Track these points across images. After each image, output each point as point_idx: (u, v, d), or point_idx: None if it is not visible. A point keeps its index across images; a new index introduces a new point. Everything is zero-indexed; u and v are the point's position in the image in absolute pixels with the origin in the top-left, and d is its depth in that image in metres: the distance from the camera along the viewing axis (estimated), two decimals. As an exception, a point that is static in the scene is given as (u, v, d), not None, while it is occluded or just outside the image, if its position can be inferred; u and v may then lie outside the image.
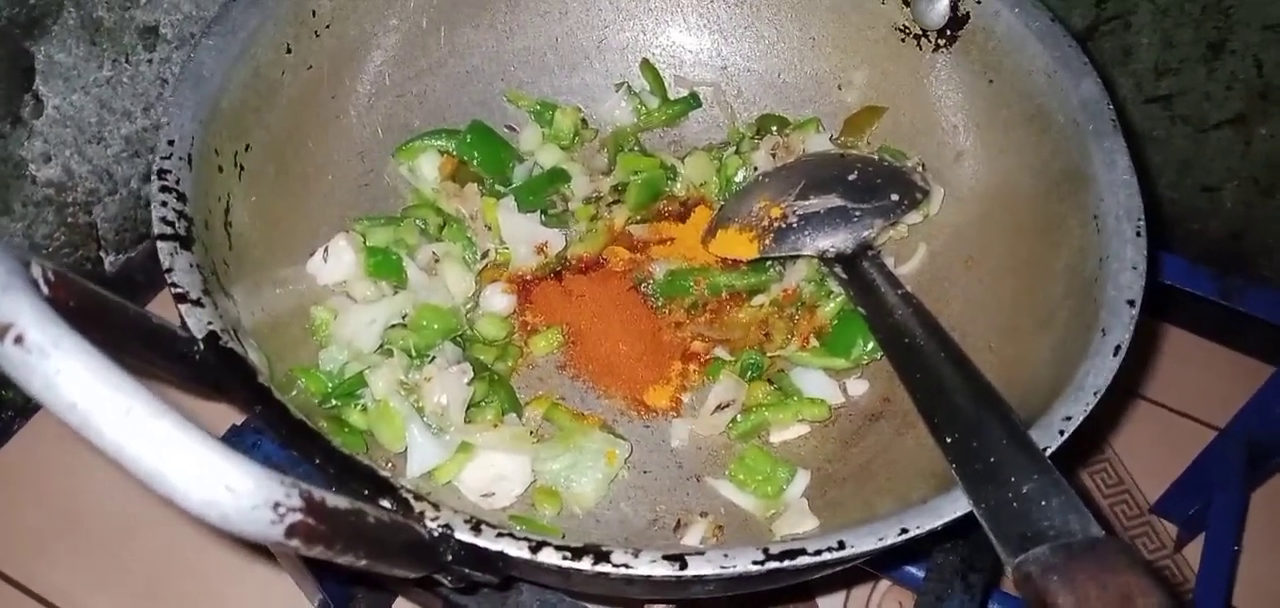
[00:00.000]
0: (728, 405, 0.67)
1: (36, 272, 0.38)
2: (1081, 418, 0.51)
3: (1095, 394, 0.52)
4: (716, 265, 0.75)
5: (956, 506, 0.48)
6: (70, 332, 0.31)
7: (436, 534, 0.43)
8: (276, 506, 0.33)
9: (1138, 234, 0.59)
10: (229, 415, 0.69)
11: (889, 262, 0.73)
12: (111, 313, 0.44)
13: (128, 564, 0.91)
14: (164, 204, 0.53)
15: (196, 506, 0.31)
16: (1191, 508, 0.99)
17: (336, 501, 0.35)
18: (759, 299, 0.74)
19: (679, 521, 0.63)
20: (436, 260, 0.71)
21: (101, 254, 1.02)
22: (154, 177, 0.54)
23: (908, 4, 0.76)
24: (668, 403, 0.69)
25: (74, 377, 0.30)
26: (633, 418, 0.69)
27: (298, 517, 0.33)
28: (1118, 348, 0.54)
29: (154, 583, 0.90)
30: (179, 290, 0.50)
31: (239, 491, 0.32)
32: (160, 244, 0.52)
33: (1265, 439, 0.92)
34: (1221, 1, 0.93)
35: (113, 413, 0.30)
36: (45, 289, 0.38)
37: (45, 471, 0.96)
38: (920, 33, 0.77)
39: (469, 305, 0.71)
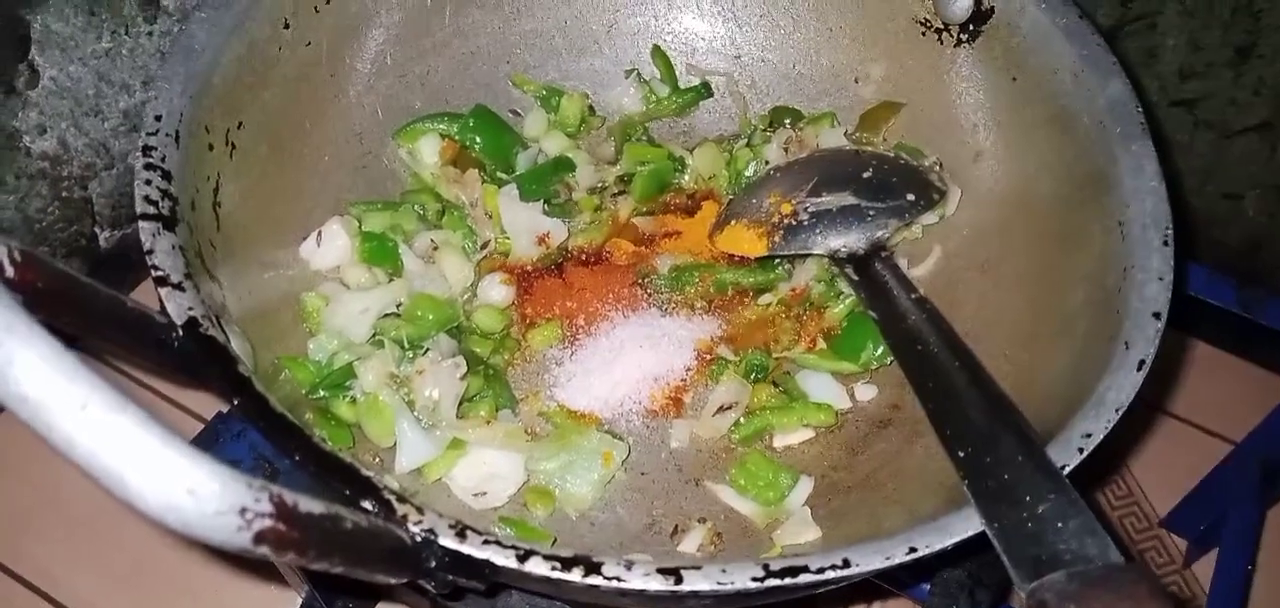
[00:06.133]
0: (731, 408, 0.65)
1: (1, 252, 0.36)
2: (1102, 436, 0.49)
3: (1117, 411, 0.50)
4: (723, 262, 0.73)
5: (968, 524, 0.46)
6: (25, 317, 0.29)
7: (419, 540, 0.41)
8: (243, 511, 0.30)
9: (1165, 244, 0.56)
10: (217, 401, 0.67)
11: (902, 263, 0.70)
12: (84, 297, 0.42)
13: (113, 545, 0.89)
14: (148, 182, 0.51)
15: (155, 509, 0.29)
16: (1202, 524, 0.97)
17: (310, 505, 0.33)
18: (766, 298, 0.72)
19: (676, 526, 0.60)
20: (434, 248, 0.69)
21: (96, 230, 1.00)
22: (138, 153, 0.52)
23: (929, -4, 0.74)
24: (668, 403, 0.67)
25: (26, 366, 0.28)
26: (632, 417, 0.66)
27: (266, 523, 0.31)
28: (1141, 363, 0.51)
29: (139, 563, 0.88)
30: (159, 273, 0.48)
31: (202, 494, 0.29)
32: (142, 224, 0.50)
33: (1282, 458, 0.89)
34: (1251, 4, 0.89)
35: (67, 407, 0.28)
36: (10, 270, 0.36)
37: (29, 449, 0.94)
38: (942, 26, 0.74)
39: (466, 296, 0.69)
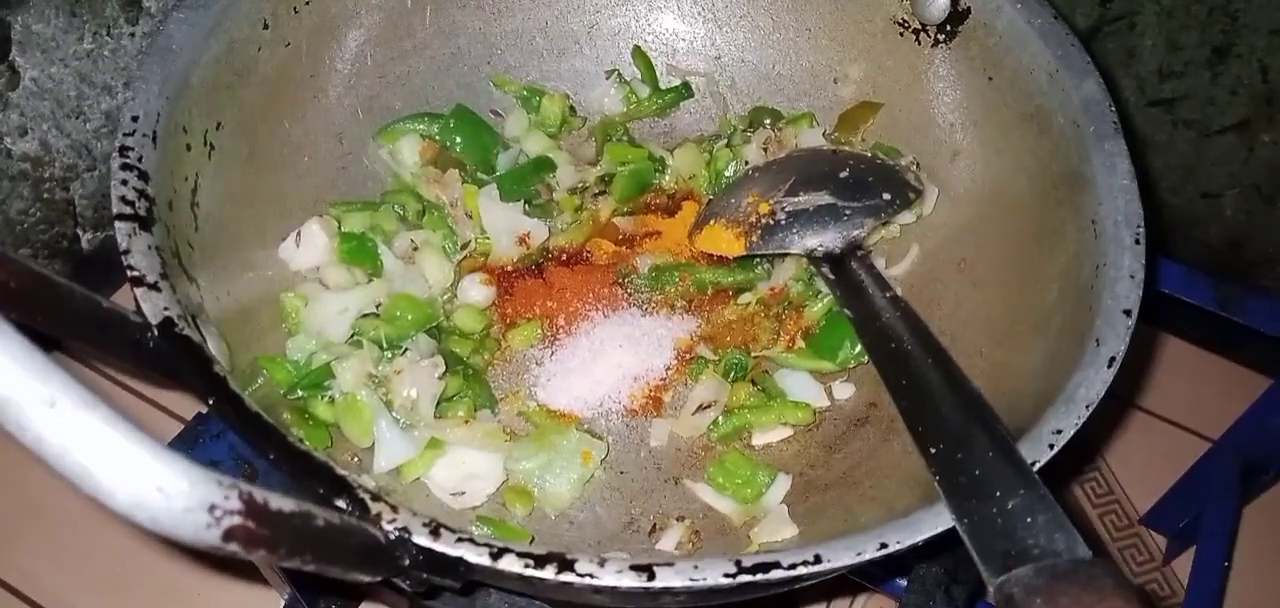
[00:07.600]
0: (709, 406, 0.65)
1: (-29, 251, 0.36)
2: (1072, 432, 0.49)
3: (1087, 407, 0.50)
4: (702, 261, 0.74)
5: (938, 520, 0.46)
6: (-8, 316, 0.29)
7: (393, 538, 0.41)
8: (212, 508, 0.31)
9: (1136, 241, 0.57)
10: (198, 402, 0.67)
11: (880, 262, 0.71)
12: (58, 296, 0.42)
13: (97, 550, 0.89)
14: (124, 183, 0.51)
15: (123, 506, 0.29)
16: (1182, 521, 0.97)
17: (281, 502, 0.33)
18: (745, 297, 0.72)
19: (655, 524, 0.61)
20: (414, 249, 0.69)
21: (79, 232, 1.00)
22: (115, 154, 0.52)
23: (907, -3, 0.75)
24: (648, 402, 0.67)
25: (-7, 365, 0.28)
26: (612, 416, 0.67)
27: (235, 520, 0.31)
28: (1112, 359, 0.52)
29: (123, 568, 0.88)
30: (135, 273, 0.48)
31: (170, 491, 0.30)
32: (118, 224, 0.50)
33: (1259, 454, 0.90)
34: (1228, 5, 0.90)
35: (35, 404, 0.28)
36: (-21, 269, 0.36)
37: (10, 453, 0.94)
38: (919, 27, 0.75)
39: (446, 296, 0.69)
